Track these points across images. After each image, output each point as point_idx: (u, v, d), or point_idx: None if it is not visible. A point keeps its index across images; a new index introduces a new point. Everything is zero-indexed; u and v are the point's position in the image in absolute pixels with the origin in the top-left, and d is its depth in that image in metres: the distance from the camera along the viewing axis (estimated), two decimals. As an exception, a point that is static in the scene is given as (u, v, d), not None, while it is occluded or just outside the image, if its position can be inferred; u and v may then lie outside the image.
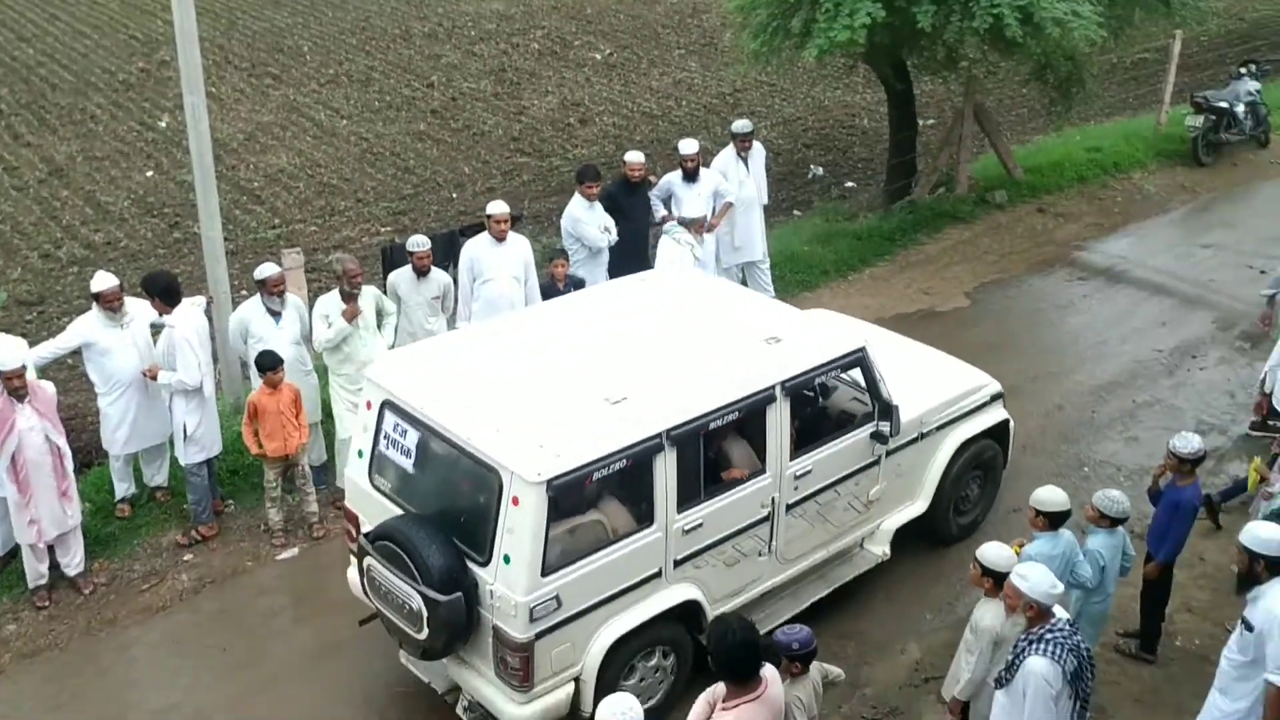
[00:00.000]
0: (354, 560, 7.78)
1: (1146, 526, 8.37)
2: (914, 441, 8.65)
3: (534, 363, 7.63)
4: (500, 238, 10.60)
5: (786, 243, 14.45)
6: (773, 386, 7.50)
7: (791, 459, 7.73)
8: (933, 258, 14.67)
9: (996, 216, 15.83)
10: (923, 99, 18.89)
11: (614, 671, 7.11)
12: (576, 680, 7.01)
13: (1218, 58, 21.75)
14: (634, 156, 12.17)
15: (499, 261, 10.60)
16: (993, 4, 12.47)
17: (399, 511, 7.27)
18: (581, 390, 7.28)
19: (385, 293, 10.26)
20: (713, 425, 7.22)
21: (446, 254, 11.01)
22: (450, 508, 7.12)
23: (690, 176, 12.15)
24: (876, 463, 8.33)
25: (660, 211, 12.22)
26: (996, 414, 9.32)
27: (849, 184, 17.58)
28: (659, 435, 6.94)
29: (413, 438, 7.28)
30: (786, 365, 7.67)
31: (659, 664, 7.44)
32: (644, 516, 7.07)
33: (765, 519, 7.67)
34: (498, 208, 10.66)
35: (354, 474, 7.80)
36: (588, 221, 11.52)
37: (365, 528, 7.50)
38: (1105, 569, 7.37)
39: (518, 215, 12.13)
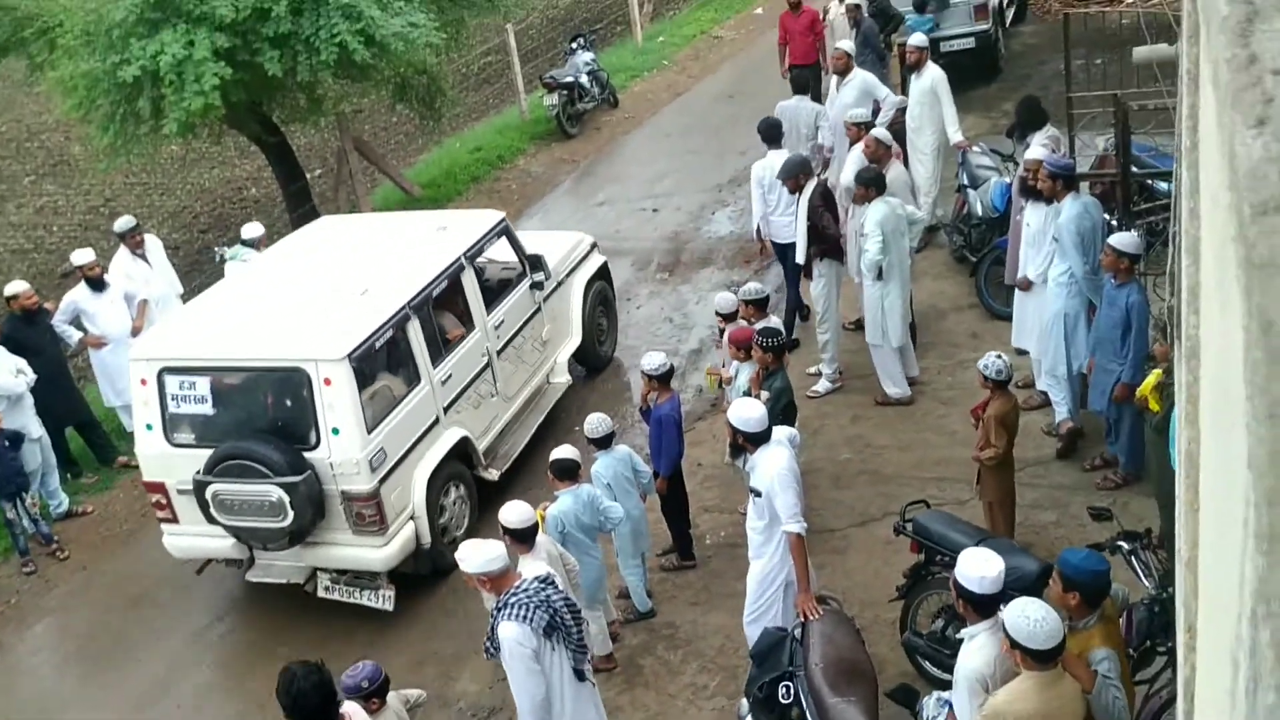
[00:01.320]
0: (166, 528, 8.93)
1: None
2: (555, 289, 10.83)
3: (275, 295, 9.37)
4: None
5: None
6: (460, 256, 9.60)
7: (488, 314, 9.78)
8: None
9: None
10: (304, 152, 18.79)
11: (432, 508, 8.80)
12: (412, 518, 8.66)
13: (549, 42, 23.50)
14: (16, 285, 11.04)
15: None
16: (332, 34, 12.60)
17: (210, 451, 8.34)
18: (330, 296, 9.04)
19: None
20: (435, 293, 9.21)
21: None
22: (263, 422, 8.49)
23: (96, 285, 11.26)
24: (539, 309, 10.55)
25: (73, 335, 11.22)
26: (597, 258, 11.80)
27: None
28: (404, 307, 8.81)
29: (204, 385, 8.54)
30: (461, 241, 9.82)
31: (456, 496, 9.22)
32: (413, 377, 8.91)
33: (486, 365, 9.73)
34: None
35: (149, 447, 8.73)
36: (-5, 367, 10.29)
37: (176, 486, 8.63)
38: (611, 486, 7.85)
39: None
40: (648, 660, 7.99)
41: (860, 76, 12.90)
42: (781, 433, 7.18)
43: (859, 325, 10.58)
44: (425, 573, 8.94)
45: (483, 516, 9.20)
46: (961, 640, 5.59)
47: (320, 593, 8.66)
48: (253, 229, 12.44)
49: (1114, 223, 9.36)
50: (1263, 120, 1.25)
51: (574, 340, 11.16)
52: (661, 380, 8.46)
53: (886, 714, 6.19)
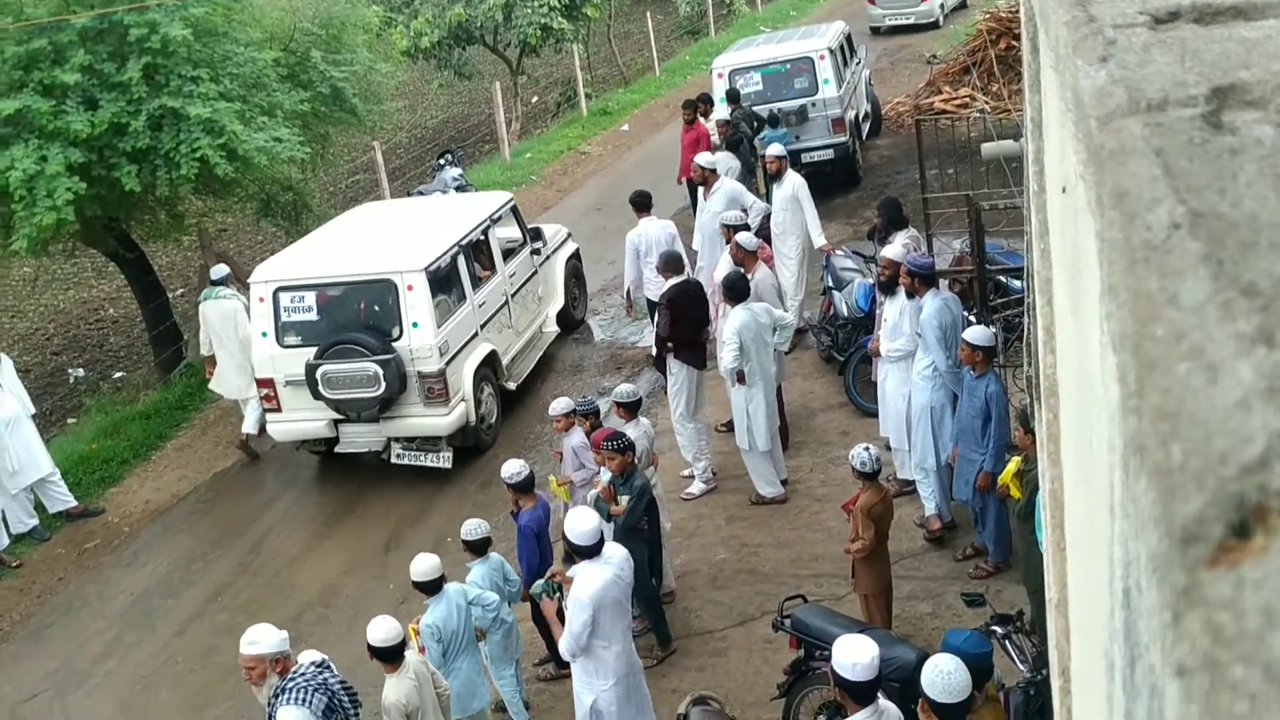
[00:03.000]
0: (270, 417, 11.59)
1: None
2: (545, 260, 13.88)
3: (359, 236, 12.67)
4: None
5: (71, 449, 13.23)
6: (486, 218, 12.64)
7: (505, 265, 12.79)
8: (231, 409, 14.22)
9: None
10: (166, 271, 18.40)
11: (474, 396, 11.56)
12: (463, 400, 11.36)
13: (416, 158, 23.62)
14: None
15: None
16: (193, 149, 12.43)
17: (313, 350, 11.02)
18: (403, 234, 12.33)
19: None
20: (473, 240, 12.19)
21: None
22: (357, 324, 11.25)
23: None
24: (536, 272, 13.52)
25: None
26: (572, 244, 14.84)
27: (117, 374, 16.55)
28: (456, 243, 11.78)
29: (310, 298, 11.37)
30: (487, 208, 13.00)
31: (488, 393, 12.01)
32: (461, 297, 11.77)
33: (504, 303, 12.60)
34: None
35: (264, 350, 11.39)
36: None
37: (284, 380, 11.25)
38: (495, 604, 7.69)
39: None
40: (527, 775, 7.71)
41: (727, 185, 13.24)
42: (615, 554, 7.08)
43: (730, 428, 10.61)
44: (470, 445, 11.71)
45: (505, 419, 12.37)
46: (844, 734, 5.52)
47: (393, 459, 11.49)
48: (219, 270, 12.86)
49: (972, 318, 9.63)
50: (1105, 58, 1.26)
51: (558, 302, 14.14)
52: (521, 489, 8.32)
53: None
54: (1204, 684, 0.70)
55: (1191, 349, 0.87)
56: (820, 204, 13.28)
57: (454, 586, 7.46)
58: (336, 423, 11.33)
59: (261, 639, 6.15)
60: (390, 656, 6.51)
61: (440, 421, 11.13)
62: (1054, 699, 4.41)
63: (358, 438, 11.46)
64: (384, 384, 10.77)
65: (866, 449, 7.87)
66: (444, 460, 11.39)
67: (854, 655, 5.32)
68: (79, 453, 13.14)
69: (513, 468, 8.32)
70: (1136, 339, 0.92)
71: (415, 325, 10.94)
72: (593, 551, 6.82)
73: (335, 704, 6.09)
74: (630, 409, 9.19)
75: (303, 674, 6.07)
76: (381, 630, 6.57)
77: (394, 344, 10.96)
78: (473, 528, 7.90)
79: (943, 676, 5.00)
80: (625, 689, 6.83)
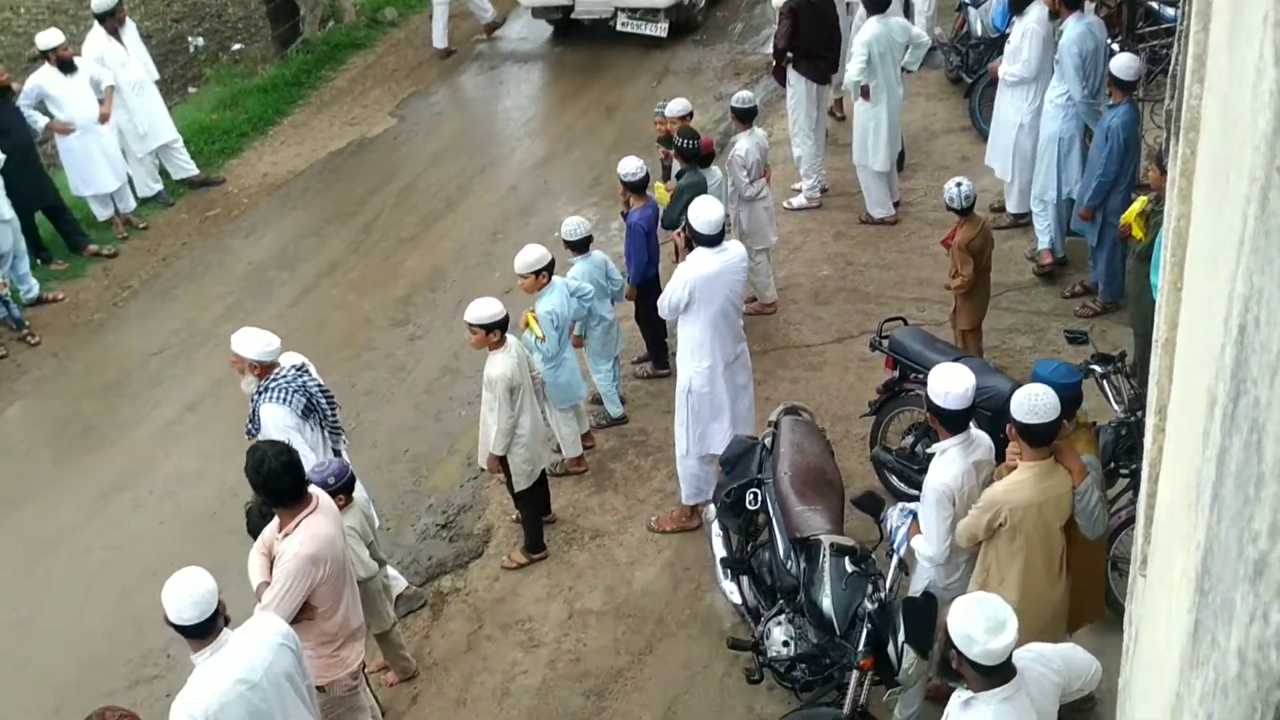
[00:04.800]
0: None
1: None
2: None
3: None
4: None
5: (192, 118, 13.43)
6: None
7: None
8: (346, 89, 14.26)
9: (393, 34, 15.64)
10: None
11: None
12: None
13: None
14: None
15: None
16: None
17: None
18: None
19: None
20: None
21: None
22: None
23: (66, 68, 10.84)
24: None
25: (38, 120, 10.87)
26: None
27: (236, 46, 16.55)
28: None
29: None
30: None
31: None
32: None
33: None
34: None
35: None
36: (-38, 144, 10.01)
37: None
38: (592, 295, 7.81)
39: None
40: (618, 465, 8.05)
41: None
42: (734, 249, 7.02)
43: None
44: (682, 22, 13.80)
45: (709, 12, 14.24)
46: (930, 456, 5.62)
47: (619, 27, 13.61)
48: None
49: (1115, 46, 9.10)
50: None
51: None
52: (635, 188, 8.29)
53: (851, 525, 6.27)
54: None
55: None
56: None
57: (560, 279, 7.59)
58: None
59: (246, 343, 6.41)
60: (496, 327, 6.76)
61: None
62: (1146, 438, 4.43)
63: (592, 6, 13.66)
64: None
65: (959, 184, 7.63)
66: (660, 30, 13.58)
67: (949, 384, 5.34)
68: (199, 122, 13.35)
69: (631, 165, 8.28)
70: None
71: None
72: (712, 240, 6.82)
73: (314, 404, 6.44)
74: (744, 116, 8.99)
75: (283, 376, 6.39)
76: (484, 309, 6.75)
77: None
78: (574, 226, 7.96)
79: (1031, 398, 5.01)
80: (718, 376, 6.96)
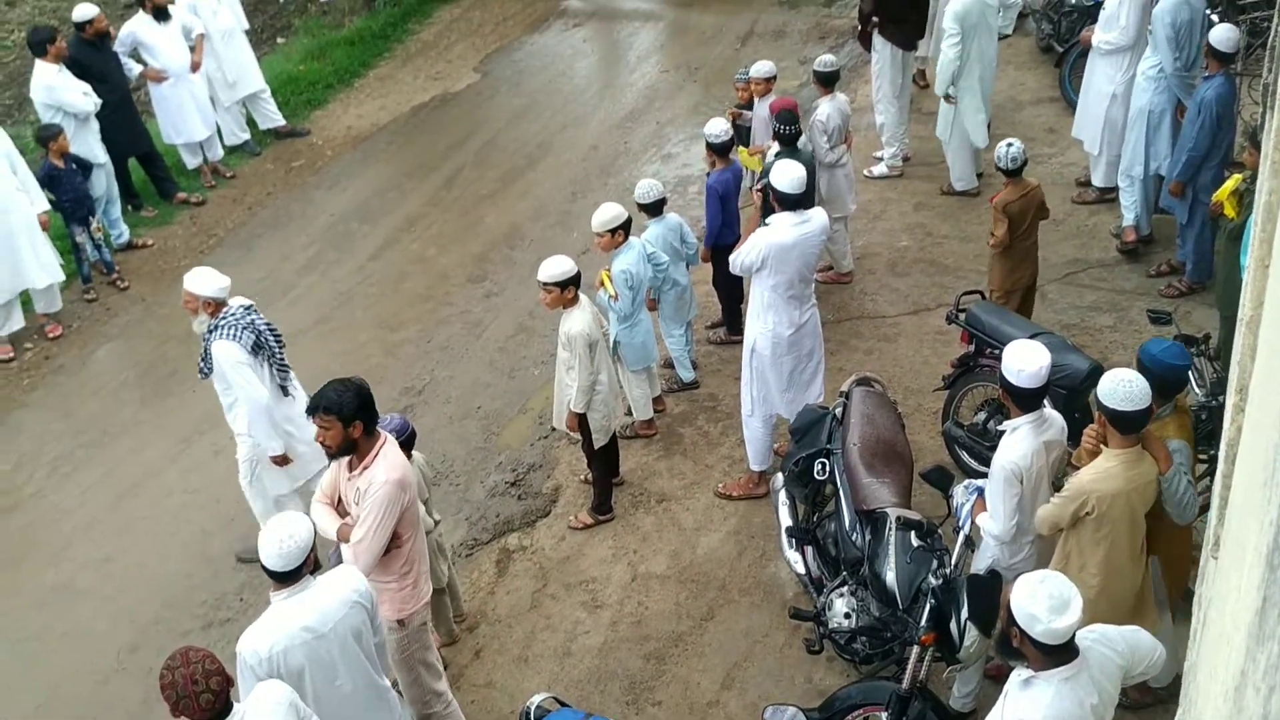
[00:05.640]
0: None
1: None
2: None
3: None
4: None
5: (280, 68, 13.62)
6: None
7: None
8: (431, 43, 14.34)
9: (479, -12, 15.67)
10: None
11: None
12: None
13: None
14: (88, 9, 10.72)
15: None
16: None
17: None
18: None
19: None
20: None
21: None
22: None
23: (160, 14, 11.01)
24: None
25: (133, 68, 11.07)
26: None
27: (324, -2, 16.71)
28: None
29: None
30: None
31: None
32: None
33: None
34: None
35: None
36: (63, 87, 10.16)
37: None
38: (666, 264, 7.82)
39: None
40: (687, 430, 8.08)
41: None
42: (815, 214, 6.95)
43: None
44: None
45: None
46: (1001, 433, 5.56)
47: None
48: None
49: (1215, 17, 8.84)
50: None
51: None
52: (719, 150, 8.24)
53: (919, 499, 6.24)
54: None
55: None
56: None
57: (637, 240, 7.59)
58: None
59: (201, 281, 6.65)
60: (570, 284, 6.79)
61: None
62: (1225, 419, 4.34)
63: None
64: None
65: (1010, 144, 7.50)
66: None
67: (1023, 361, 5.27)
68: (287, 73, 13.52)
69: (718, 126, 8.23)
70: None
71: None
72: (796, 203, 6.75)
73: (262, 341, 6.71)
74: (827, 81, 8.89)
75: (233, 314, 6.63)
76: (557, 266, 6.78)
77: None
78: (646, 189, 7.90)
79: (1123, 385, 4.90)
80: (783, 341, 6.95)
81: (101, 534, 7.82)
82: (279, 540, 4.66)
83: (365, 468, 5.31)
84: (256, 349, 6.68)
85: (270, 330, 6.81)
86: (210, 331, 6.65)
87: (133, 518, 7.92)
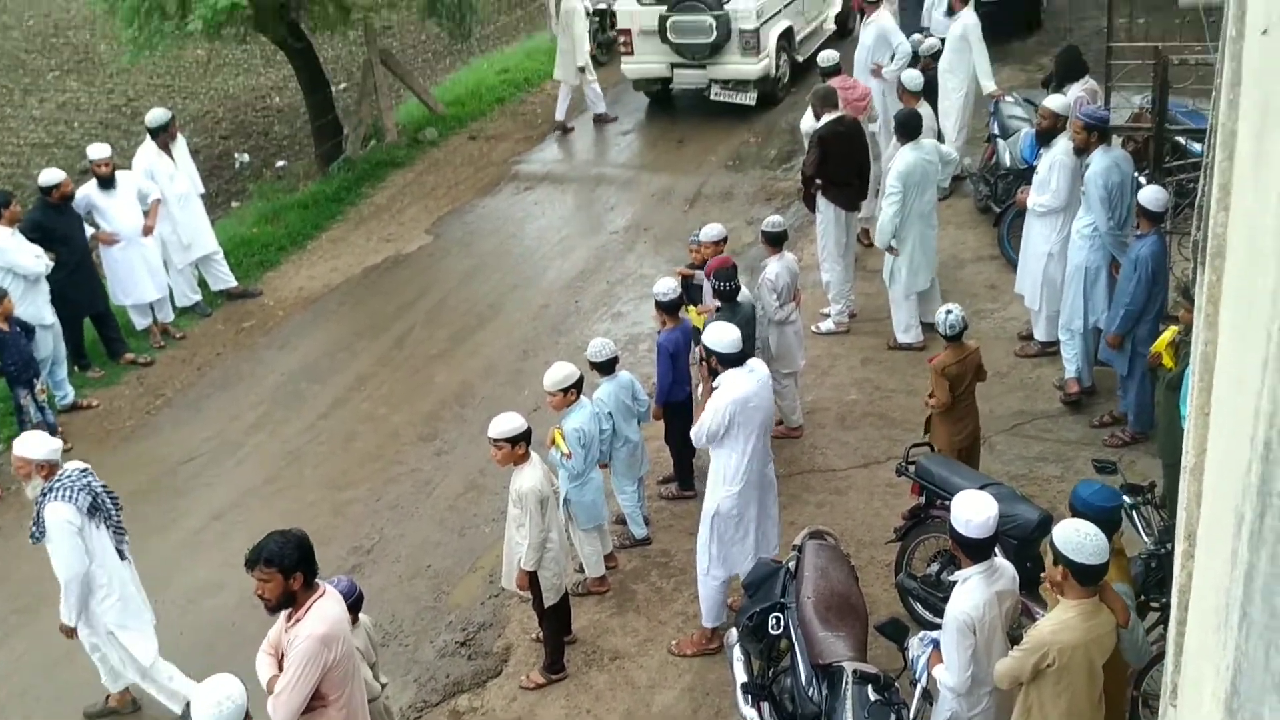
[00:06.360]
0: (624, 59, 16.01)
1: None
2: None
3: None
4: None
5: (234, 231, 13.76)
6: None
7: None
8: (384, 206, 14.57)
9: (433, 153, 16.02)
10: (331, 64, 18.63)
11: (774, 58, 15.61)
12: (766, 57, 15.30)
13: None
14: (54, 174, 10.87)
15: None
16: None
17: (664, 6, 15.26)
18: None
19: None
20: None
21: None
22: None
23: (105, 183, 11.14)
24: None
25: (89, 230, 11.15)
26: None
27: (280, 163, 16.97)
28: None
29: None
30: None
31: (784, 60, 16.02)
32: None
33: None
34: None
35: (626, 5, 15.81)
36: (15, 249, 10.19)
37: (638, 30, 15.56)
38: (612, 414, 7.86)
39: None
40: (640, 586, 7.98)
41: (880, 21, 12.72)
42: (759, 366, 7.04)
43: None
44: (768, 92, 15.59)
45: (794, 82, 16.18)
46: (954, 584, 5.55)
47: (712, 96, 15.42)
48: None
49: (1143, 179, 9.21)
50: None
51: (836, 7, 17.69)
52: (667, 309, 8.36)
53: (875, 652, 6.18)
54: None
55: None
56: (996, 48, 12.69)
57: (589, 399, 7.63)
58: (673, 66, 15.40)
59: (33, 445, 6.69)
60: (519, 441, 6.79)
61: (751, 68, 15.14)
62: (1175, 566, 4.37)
63: (688, 79, 15.53)
64: (715, 33, 14.87)
65: (948, 311, 7.70)
66: (749, 99, 15.37)
67: (971, 512, 5.30)
68: (240, 235, 13.66)
69: (666, 285, 8.37)
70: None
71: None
72: (735, 360, 6.86)
73: (99, 503, 6.69)
74: (775, 240, 9.10)
75: (68, 476, 6.64)
76: (507, 423, 6.79)
77: (724, 6, 14.87)
78: (599, 347, 7.97)
79: (1088, 539, 4.92)
80: (748, 499, 6.94)
81: (34, 702, 7.51)
82: (216, 703, 4.53)
83: (298, 620, 5.19)
84: (93, 510, 6.67)
85: (107, 493, 6.86)
86: (43, 495, 6.62)
87: (70, 688, 7.63)
